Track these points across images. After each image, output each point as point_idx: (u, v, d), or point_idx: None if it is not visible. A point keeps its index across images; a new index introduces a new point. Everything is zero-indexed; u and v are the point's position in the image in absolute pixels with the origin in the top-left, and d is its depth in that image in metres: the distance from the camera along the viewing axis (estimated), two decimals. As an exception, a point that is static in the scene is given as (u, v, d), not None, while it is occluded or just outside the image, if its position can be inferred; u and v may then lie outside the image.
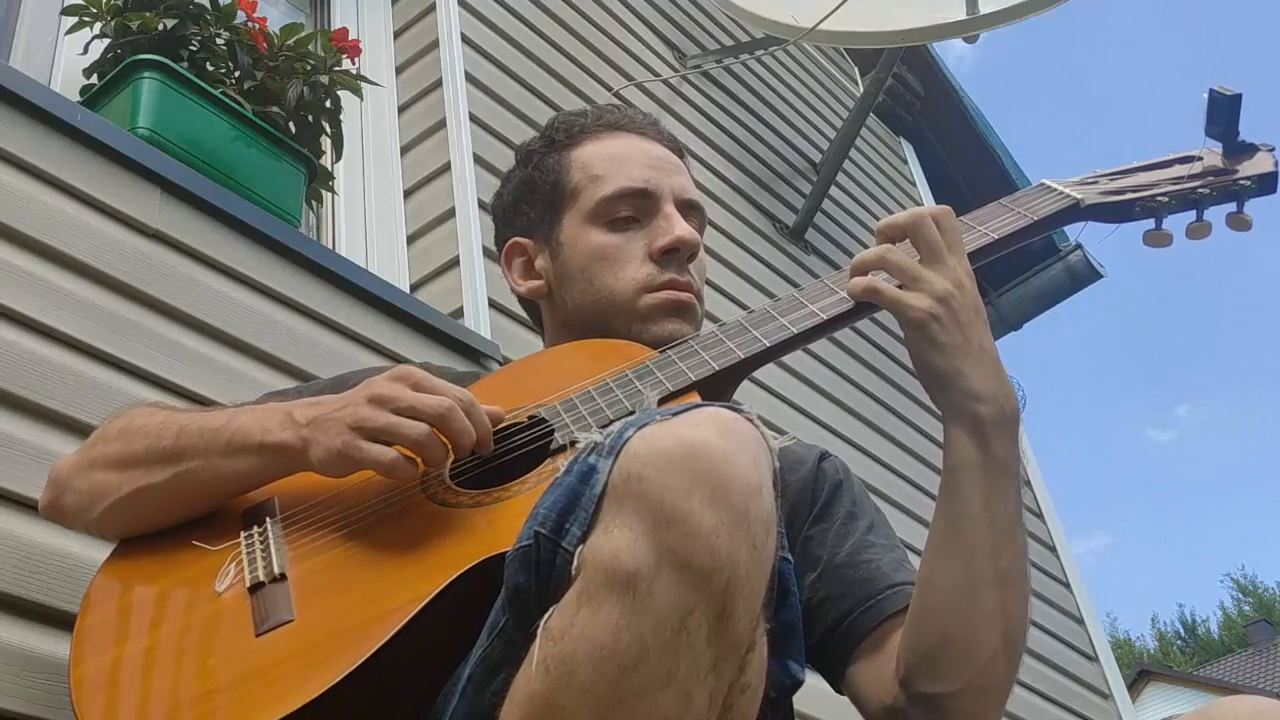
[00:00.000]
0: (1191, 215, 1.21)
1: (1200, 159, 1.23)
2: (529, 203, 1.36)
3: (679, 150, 1.38)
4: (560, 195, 1.32)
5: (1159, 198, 1.21)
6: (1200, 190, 1.20)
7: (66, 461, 1.21)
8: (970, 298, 1.08)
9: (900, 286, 1.08)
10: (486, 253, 2.30)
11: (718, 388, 1.09)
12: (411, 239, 2.40)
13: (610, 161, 1.31)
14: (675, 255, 1.27)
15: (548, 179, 1.34)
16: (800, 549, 1.22)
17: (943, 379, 1.07)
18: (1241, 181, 1.20)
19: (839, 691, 1.19)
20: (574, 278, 1.30)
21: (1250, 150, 1.22)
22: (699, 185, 1.41)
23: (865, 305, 1.14)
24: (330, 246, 2.27)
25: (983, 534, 1.05)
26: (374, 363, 1.92)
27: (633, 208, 1.29)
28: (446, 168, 2.43)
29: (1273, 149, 1.22)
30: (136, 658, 1.02)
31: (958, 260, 1.10)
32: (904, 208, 4.38)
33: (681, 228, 1.28)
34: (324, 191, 2.19)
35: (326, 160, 2.12)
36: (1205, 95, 1.21)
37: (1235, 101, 1.20)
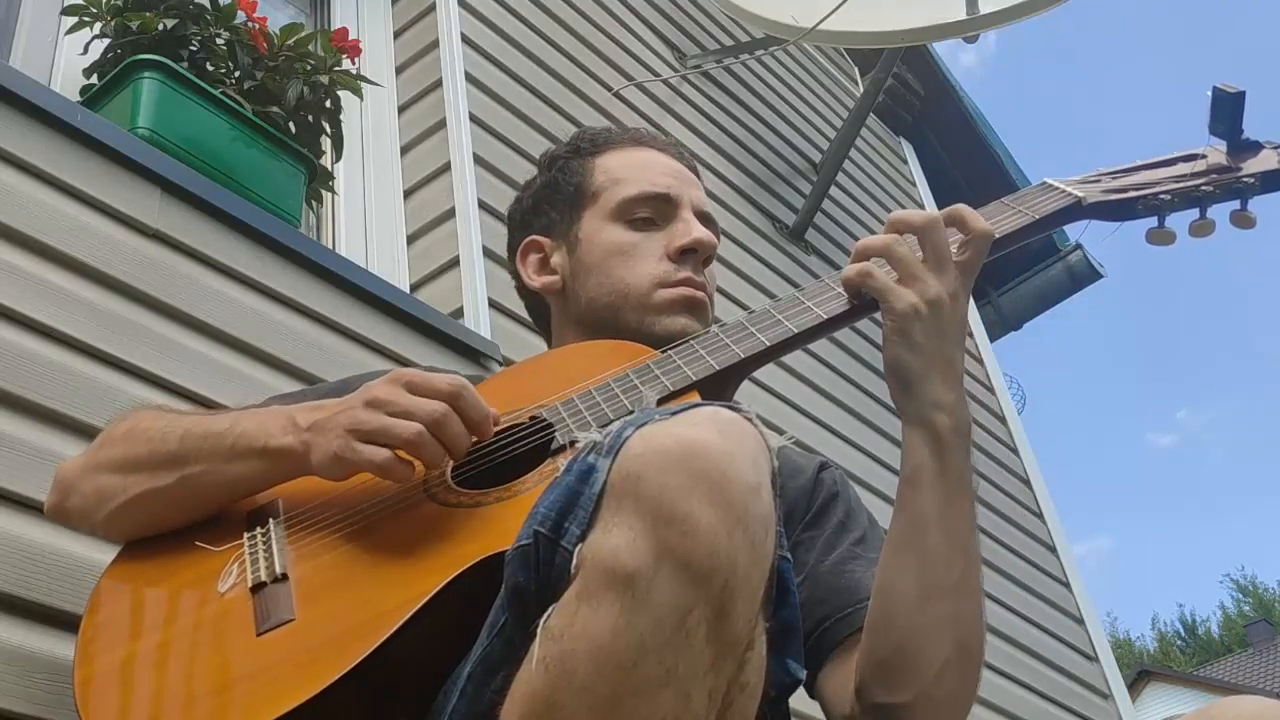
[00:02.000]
0: (1195, 213, 1.21)
1: (1204, 157, 1.22)
2: (550, 203, 1.40)
3: (695, 170, 1.43)
4: (582, 195, 1.37)
5: (1162, 195, 1.20)
6: (1204, 188, 1.20)
7: (72, 464, 1.22)
8: (958, 313, 1.09)
9: (898, 280, 1.09)
10: (486, 253, 2.31)
11: (718, 388, 1.10)
12: (411, 239, 2.40)
13: (633, 168, 1.36)
14: (692, 256, 1.31)
15: (571, 181, 1.38)
16: (790, 550, 1.22)
17: (908, 380, 1.08)
18: (1245, 179, 1.19)
19: (811, 696, 1.19)
20: (590, 272, 1.32)
21: (1255, 148, 1.21)
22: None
23: (866, 305, 1.14)
24: (330, 246, 2.27)
25: (937, 542, 1.06)
26: (375, 363, 1.93)
27: (653, 210, 1.33)
28: (446, 168, 2.43)
29: (1278, 146, 1.22)
30: (138, 658, 1.02)
31: (961, 275, 1.10)
32: (904, 207, 4.38)
33: (700, 230, 1.32)
34: (324, 191, 2.19)
35: (326, 160, 2.12)
36: (1209, 93, 1.21)
37: (1239, 99, 1.20)
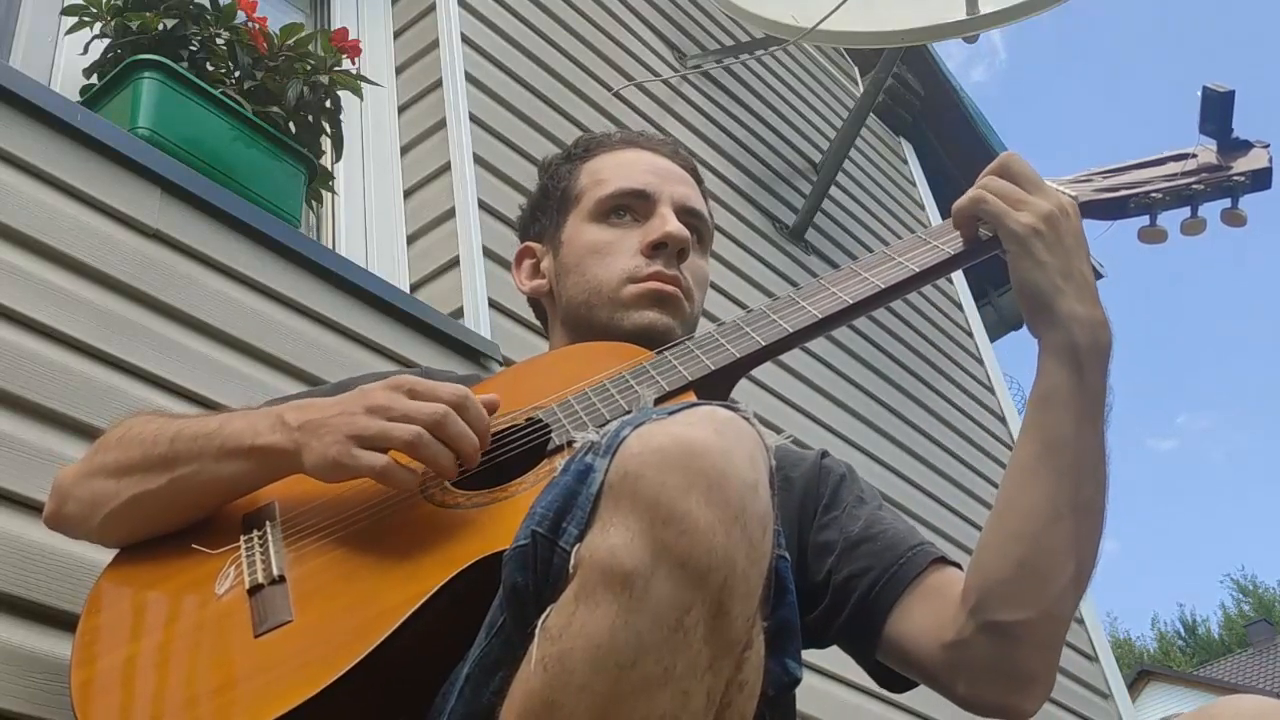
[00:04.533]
0: (1186, 211, 1.22)
1: (1195, 156, 1.23)
2: (543, 210, 1.41)
3: (693, 169, 1.42)
4: (567, 199, 1.38)
5: (1153, 194, 1.21)
6: (1195, 186, 1.21)
7: (68, 471, 1.22)
8: (1074, 225, 1.11)
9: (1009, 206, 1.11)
10: (486, 253, 2.31)
11: (714, 388, 1.10)
12: (411, 239, 2.40)
13: (615, 168, 1.37)
14: (664, 250, 1.30)
15: (559, 186, 1.39)
16: (814, 537, 1.24)
17: (1041, 299, 1.09)
18: (1236, 177, 1.20)
19: (874, 659, 1.20)
20: (569, 271, 1.33)
21: (1245, 147, 1.22)
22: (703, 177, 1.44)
23: (862, 304, 1.14)
24: (330, 246, 2.27)
25: (1069, 463, 1.08)
26: (374, 363, 1.93)
27: (630, 207, 1.33)
28: (446, 168, 2.43)
29: (1267, 145, 1.23)
30: (136, 660, 1.02)
31: (1058, 193, 1.13)
32: (904, 208, 4.39)
33: (673, 224, 1.31)
34: (324, 191, 2.19)
35: (326, 160, 2.12)
36: (1199, 93, 1.21)
37: (1229, 98, 1.21)
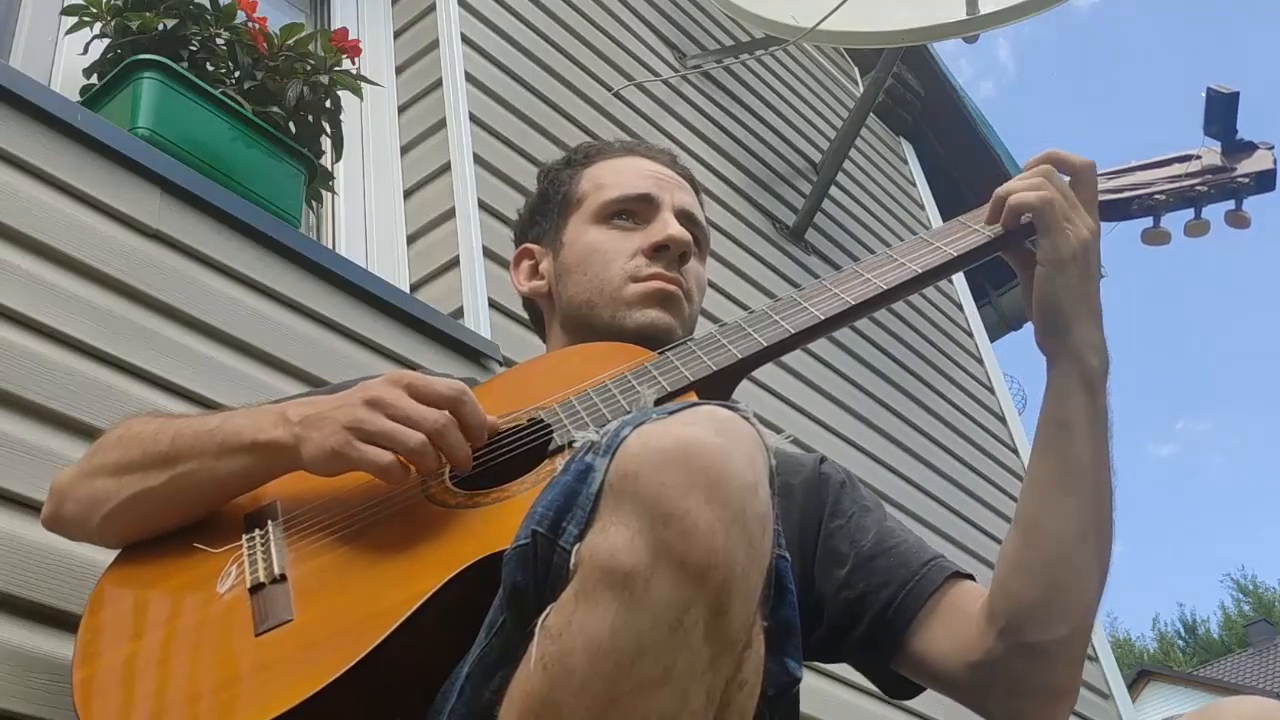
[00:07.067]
0: (1190, 213, 1.22)
1: (1199, 157, 1.24)
2: (542, 213, 1.43)
3: (689, 178, 1.44)
4: (568, 203, 1.39)
5: (1157, 196, 1.21)
6: (1198, 188, 1.21)
7: (66, 473, 1.22)
8: (1098, 253, 1.13)
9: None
10: (486, 253, 2.31)
11: (716, 388, 1.10)
12: (411, 239, 2.40)
13: (617, 173, 1.39)
14: (666, 252, 1.32)
15: (559, 190, 1.41)
16: (823, 546, 1.25)
17: (1062, 320, 1.11)
18: (1240, 179, 1.21)
19: (891, 670, 1.20)
20: (571, 271, 1.35)
21: (1249, 148, 1.22)
22: (700, 187, 1.44)
23: (863, 306, 1.14)
24: (330, 246, 2.27)
25: (1090, 483, 1.10)
26: (375, 363, 1.93)
27: (632, 211, 1.35)
28: (446, 168, 2.43)
29: (1271, 146, 1.23)
30: (137, 659, 1.02)
31: (1094, 216, 1.14)
32: (904, 208, 4.39)
33: (674, 227, 1.33)
34: (324, 191, 2.19)
35: (326, 160, 2.12)
36: (1203, 94, 1.22)
37: (1233, 100, 1.21)
